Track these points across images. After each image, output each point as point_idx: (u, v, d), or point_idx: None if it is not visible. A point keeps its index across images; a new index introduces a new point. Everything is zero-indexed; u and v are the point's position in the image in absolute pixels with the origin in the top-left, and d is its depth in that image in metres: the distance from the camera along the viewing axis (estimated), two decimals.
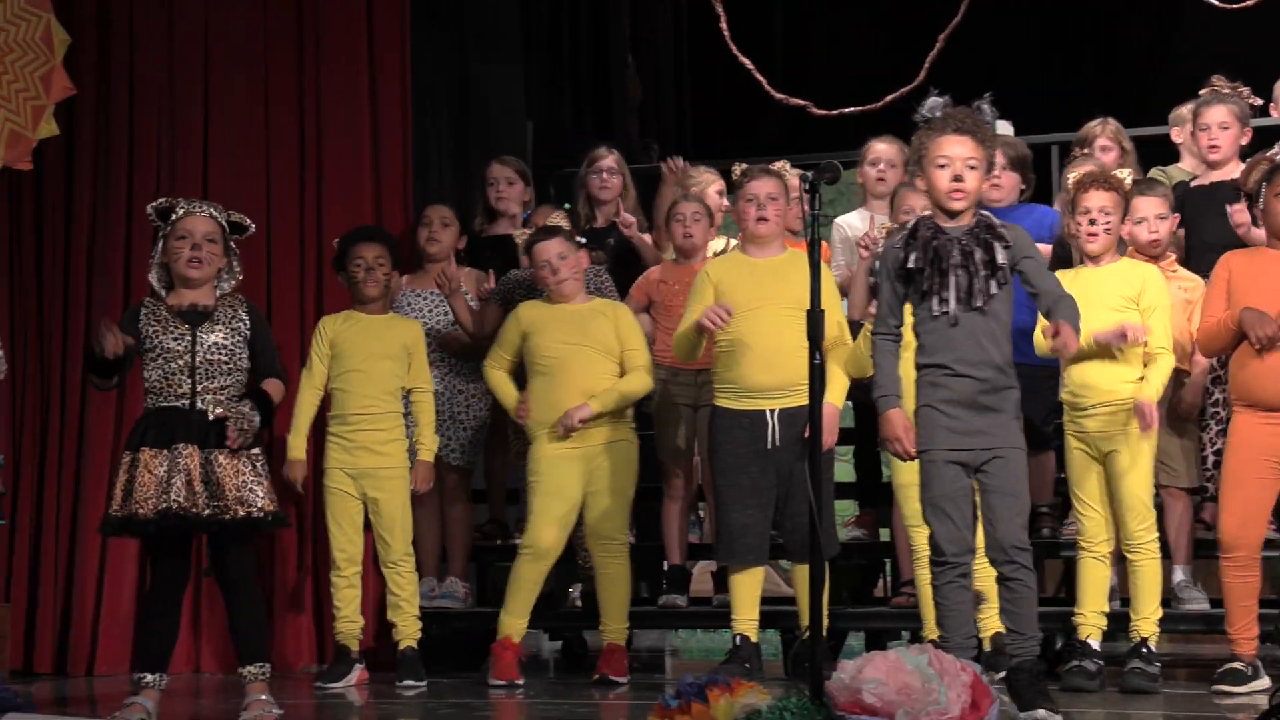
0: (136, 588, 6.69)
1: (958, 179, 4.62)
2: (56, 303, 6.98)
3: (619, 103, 10.38)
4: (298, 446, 6.10)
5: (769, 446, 5.58)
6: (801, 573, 5.53)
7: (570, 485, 5.86)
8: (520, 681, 5.88)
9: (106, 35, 7.04)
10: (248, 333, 5.21)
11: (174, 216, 5.21)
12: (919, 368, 4.69)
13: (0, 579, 6.83)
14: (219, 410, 5.11)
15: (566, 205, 6.77)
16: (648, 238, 6.73)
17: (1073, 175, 5.78)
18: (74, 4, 6.97)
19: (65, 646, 6.76)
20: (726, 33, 6.81)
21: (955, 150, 4.63)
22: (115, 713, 4.98)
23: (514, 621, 5.91)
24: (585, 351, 5.88)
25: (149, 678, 5.07)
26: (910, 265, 4.63)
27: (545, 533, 5.86)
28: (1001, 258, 4.59)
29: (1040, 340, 5.39)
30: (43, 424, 6.94)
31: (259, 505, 5.09)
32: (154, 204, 5.30)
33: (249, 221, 5.32)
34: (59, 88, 6.87)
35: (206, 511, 5.03)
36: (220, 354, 5.14)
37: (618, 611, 5.94)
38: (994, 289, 4.58)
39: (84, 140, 7.02)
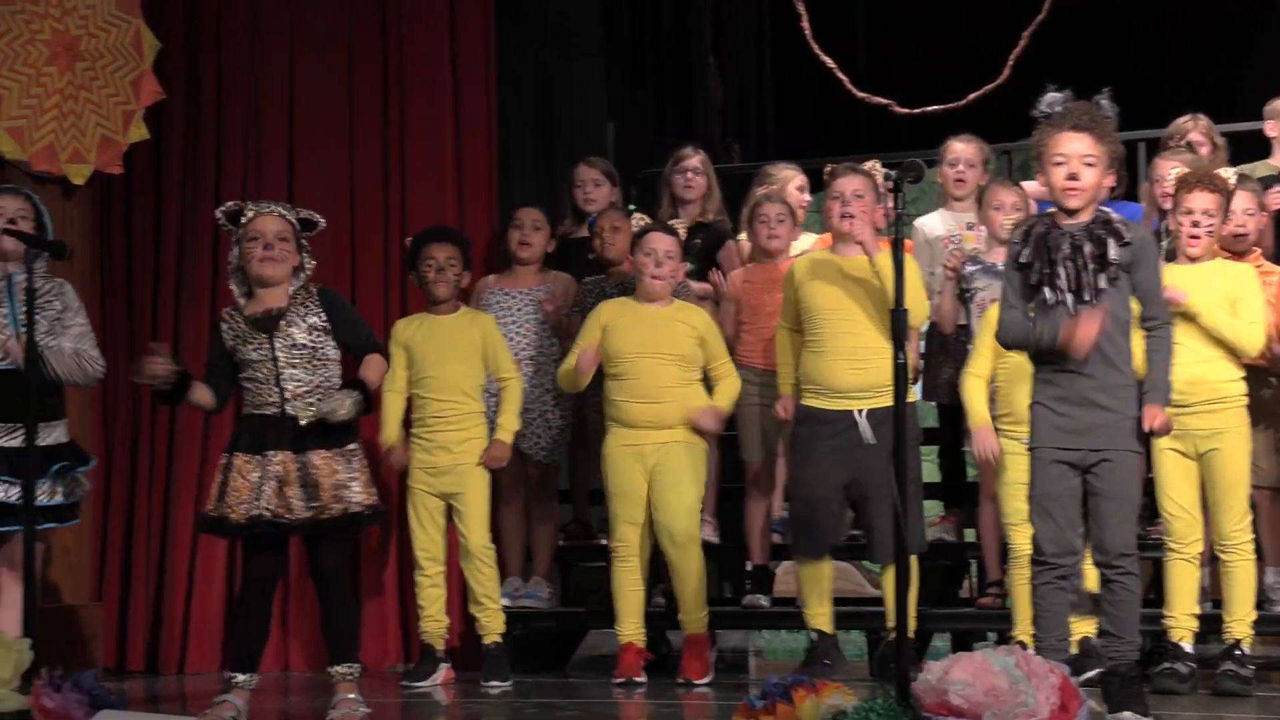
0: (225, 587, 6.80)
1: (1073, 176, 4.58)
2: (145, 306, 7.08)
3: (701, 103, 10.36)
4: (390, 435, 6.14)
5: (855, 446, 5.59)
6: (889, 572, 5.53)
7: (634, 483, 5.91)
8: (640, 679, 5.90)
9: (194, 40, 7.13)
10: (325, 323, 5.24)
11: (244, 219, 5.26)
12: (1035, 365, 4.67)
13: (93, 578, 6.93)
14: (310, 413, 5.15)
15: (632, 207, 6.76)
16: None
17: (1172, 170, 5.72)
18: (163, 9, 7.08)
19: (156, 645, 6.88)
20: (808, 31, 6.79)
21: (1072, 147, 4.58)
22: (206, 710, 5.02)
23: (624, 627, 5.96)
24: (657, 356, 5.91)
25: (240, 677, 5.11)
26: (1022, 260, 4.61)
27: (623, 532, 5.92)
28: (1114, 254, 4.53)
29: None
30: (133, 425, 7.05)
31: (357, 500, 5.13)
32: (222, 208, 5.36)
33: (318, 217, 5.37)
34: (148, 92, 6.99)
35: (306, 514, 5.06)
36: (300, 354, 5.16)
37: (693, 601, 5.95)
38: (1103, 283, 4.53)
39: (172, 144, 7.11)
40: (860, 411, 5.61)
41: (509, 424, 6.10)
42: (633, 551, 5.94)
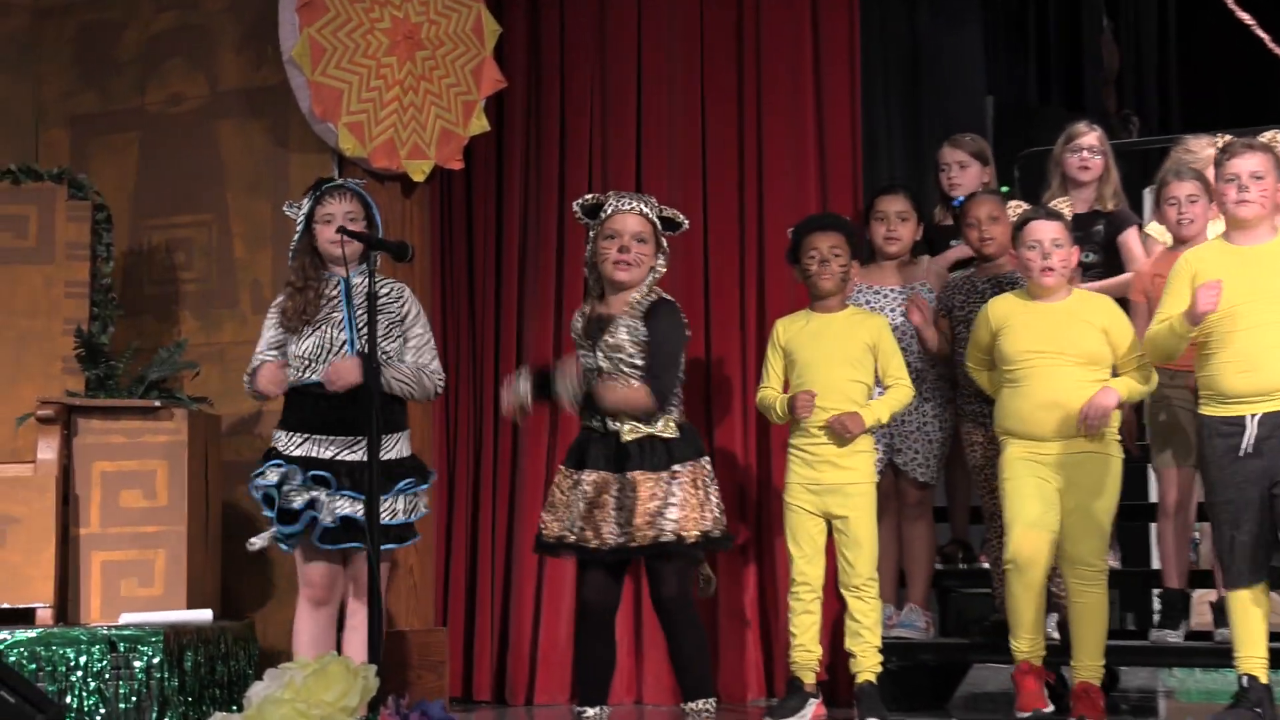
0: (575, 612, 6.87)
1: None
2: (489, 308, 7.26)
3: (1092, 72, 10.10)
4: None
5: (1249, 454, 5.36)
6: None
7: (1045, 489, 5.74)
8: (1048, 710, 5.77)
9: (536, 24, 7.29)
10: (643, 337, 5.29)
11: (603, 214, 5.33)
12: None
13: (437, 602, 7.14)
14: (633, 432, 5.22)
15: (1005, 188, 6.57)
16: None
17: None
18: None
19: (503, 673, 7.03)
20: None
21: None
22: None
23: (1022, 644, 5.79)
24: (1056, 356, 5.76)
25: (589, 712, 5.20)
26: None
27: (1022, 540, 5.74)
28: None
29: None
30: (476, 437, 7.24)
31: (671, 528, 5.16)
32: (580, 200, 5.43)
33: (682, 217, 5.39)
34: (489, 81, 7.14)
35: (613, 539, 5.13)
36: (625, 366, 5.27)
37: (1092, 647, 5.76)
38: None
39: (514, 135, 7.28)
40: (1252, 416, 5.38)
41: (878, 409, 6.01)
42: (1035, 561, 5.71)
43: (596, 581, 5.32)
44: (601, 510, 5.18)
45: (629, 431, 5.30)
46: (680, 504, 5.22)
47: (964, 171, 6.77)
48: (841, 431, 5.87)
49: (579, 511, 5.19)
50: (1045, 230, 5.79)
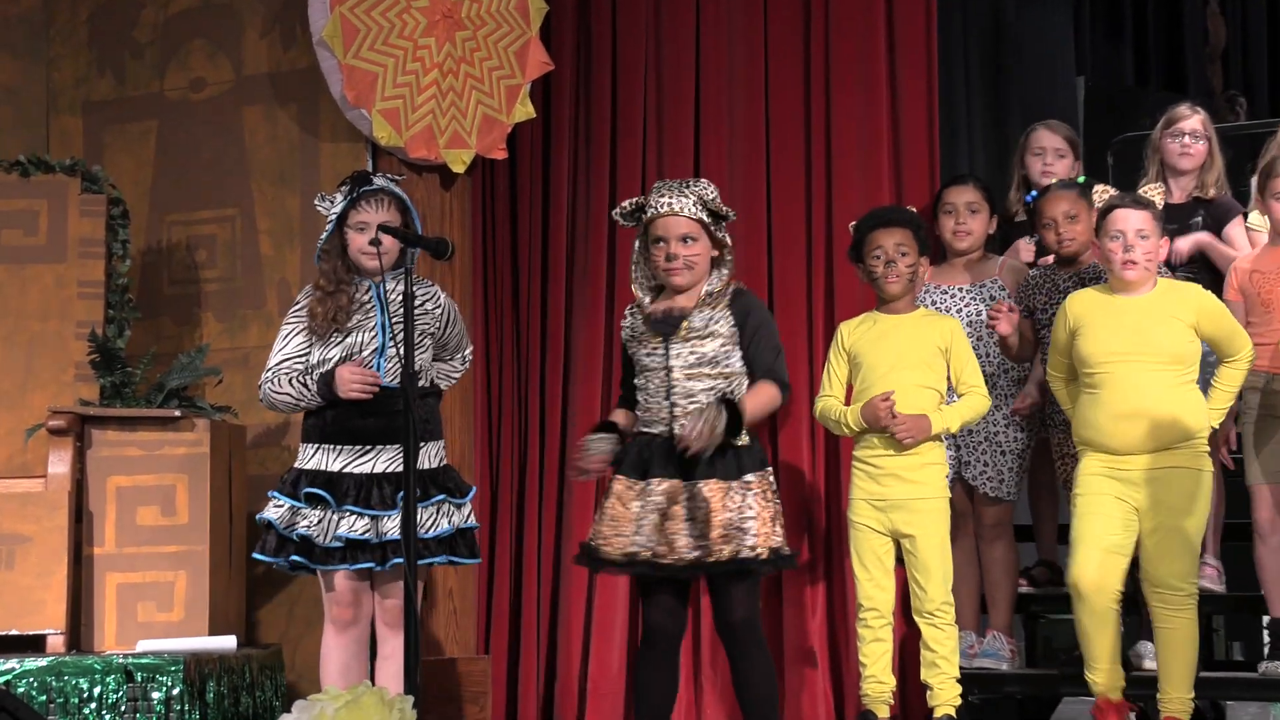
0: (627, 636, 6.85)
1: None
2: (534, 309, 7.24)
3: (1194, 50, 10.02)
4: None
5: None
6: None
7: (1121, 509, 5.67)
8: None
9: (585, 1, 7.26)
10: (733, 332, 5.27)
11: (645, 216, 5.33)
12: None
13: (479, 628, 7.14)
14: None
15: (1082, 179, 6.50)
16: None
17: None
18: None
19: (551, 705, 6.98)
20: None
21: None
22: None
23: (1097, 676, 5.74)
24: (1138, 357, 5.68)
25: None
26: None
27: (1085, 564, 5.68)
28: None
29: None
30: (521, 448, 7.23)
31: (751, 542, 5.13)
32: (619, 210, 5.45)
33: (725, 210, 5.40)
34: (535, 63, 7.13)
35: (690, 554, 5.12)
36: (701, 367, 5.25)
37: (1179, 678, 5.68)
38: None
39: (562, 122, 7.25)
40: None
41: (949, 416, 5.94)
42: (1098, 589, 5.66)
43: (665, 604, 5.30)
44: (674, 523, 5.18)
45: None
46: (756, 517, 5.21)
47: (1060, 160, 6.72)
48: (904, 436, 5.80)
49: (651, 524, 5.17)
50: (1130, 220, 5.72)
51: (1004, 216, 6.73)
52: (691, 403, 5.26)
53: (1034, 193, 6.41)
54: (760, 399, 5.33)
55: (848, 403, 5.99)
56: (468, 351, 5.99)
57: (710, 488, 5.19)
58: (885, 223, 5.99)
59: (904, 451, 5.86)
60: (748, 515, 5.19)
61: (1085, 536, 5.69)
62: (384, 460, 5.51)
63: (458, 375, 5.99)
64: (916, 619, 5.99)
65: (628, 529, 5.19)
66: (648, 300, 5.44)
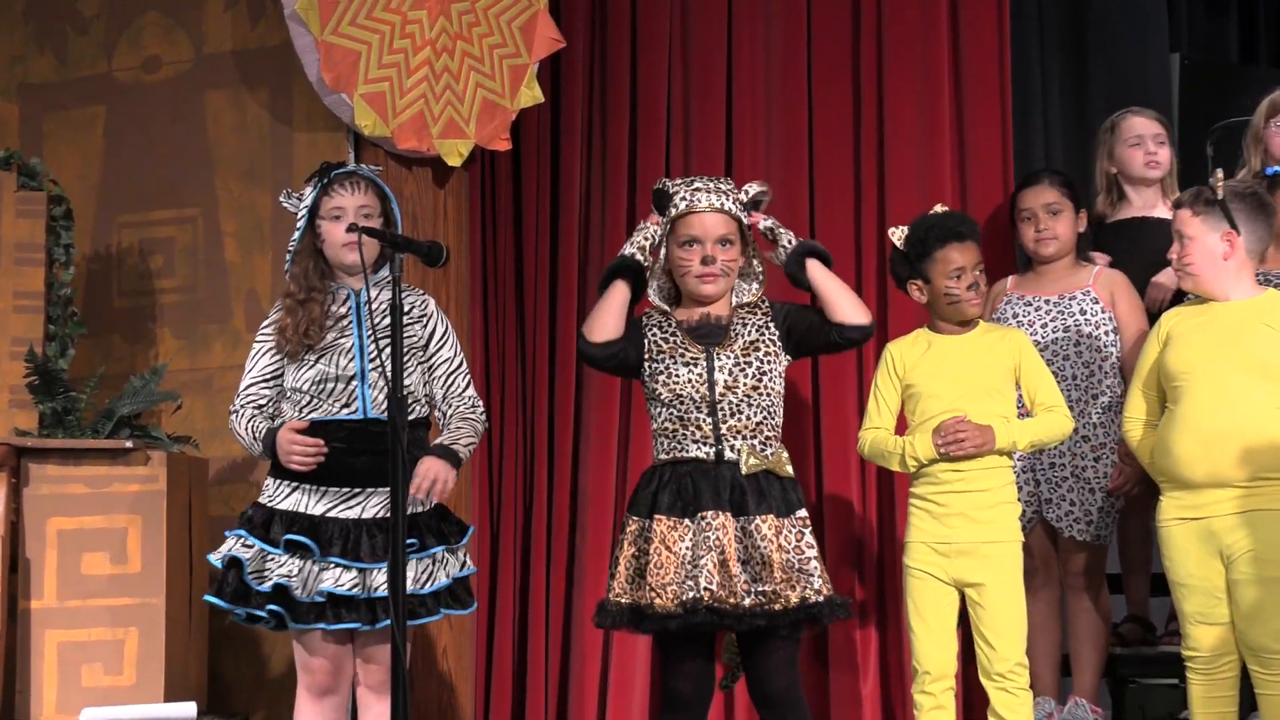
0: (648, 700, 6.86)
1: None
2: (541, 322, 7.28)
3: None
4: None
5: None
6: None
7: (1202, 566, 5.62)
8: None
9: None
10: (776, 341, 5.27)
11: (673, 209, 5.29)
12: None
13: (478, 695, 7.11)
14: (753, 461, 5.19)
15: (1272, 170, 6.50)
16: None
17: None
18: None
19: None
20: None
21: None
22: None
23: None
24: (1221, 369, 5.60)
25: None
26: None
27: (1196, 634, 5.68)
28: None
29: None
30: (527, 483, 7.23)
31: (816, 586, 5.14)
32: (660, 183, 5.44)
33: (758, 216, 5.37)
34: (543, 40, 7.12)
35: (748, 600, 5.09)
36: (747, 380, 5.23)
37: None
38: None
39: (574, 108, 7.29)
40: None
41: (1017, 430, 5.86)
42: (1216, 660, 5.66)
43: (692, 669, 5.26)
44: (734, 564, 5.17)
45: (751, 463, 5.24)
46: (817, 557, 5.24)
47: (1161, 148, 6.76)
48: (957, 448, 5.72)
49: (712, 563, 5.13)
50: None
51: (1093, 219, 6.69)
52: (739, 420, 5.22)
53: (1275, 168, 6.40)
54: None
55: (903, 434, 5.93)
56: (470, 391, 5.78)
57: (769, 523, 5.21)
58: (957, 235, 5.88)
59: (978, 487, 5.80)
60: (809, 555, 5.21)
61: (1190, 608, 5.70)
62: (374, 505, 5.43)
63: (480, 425, 5.76)
64: (984, 682, 5.92)
65: (678, 574, 5.15)
66: (668, 308, 5.40)
